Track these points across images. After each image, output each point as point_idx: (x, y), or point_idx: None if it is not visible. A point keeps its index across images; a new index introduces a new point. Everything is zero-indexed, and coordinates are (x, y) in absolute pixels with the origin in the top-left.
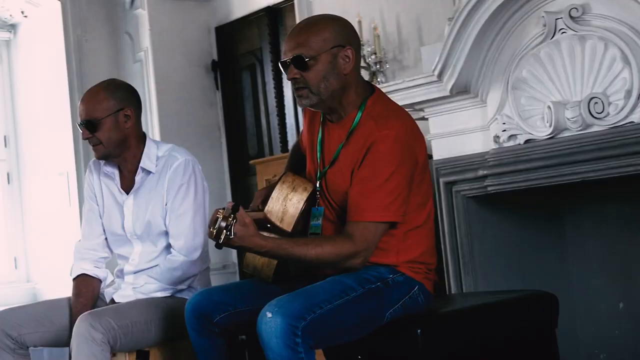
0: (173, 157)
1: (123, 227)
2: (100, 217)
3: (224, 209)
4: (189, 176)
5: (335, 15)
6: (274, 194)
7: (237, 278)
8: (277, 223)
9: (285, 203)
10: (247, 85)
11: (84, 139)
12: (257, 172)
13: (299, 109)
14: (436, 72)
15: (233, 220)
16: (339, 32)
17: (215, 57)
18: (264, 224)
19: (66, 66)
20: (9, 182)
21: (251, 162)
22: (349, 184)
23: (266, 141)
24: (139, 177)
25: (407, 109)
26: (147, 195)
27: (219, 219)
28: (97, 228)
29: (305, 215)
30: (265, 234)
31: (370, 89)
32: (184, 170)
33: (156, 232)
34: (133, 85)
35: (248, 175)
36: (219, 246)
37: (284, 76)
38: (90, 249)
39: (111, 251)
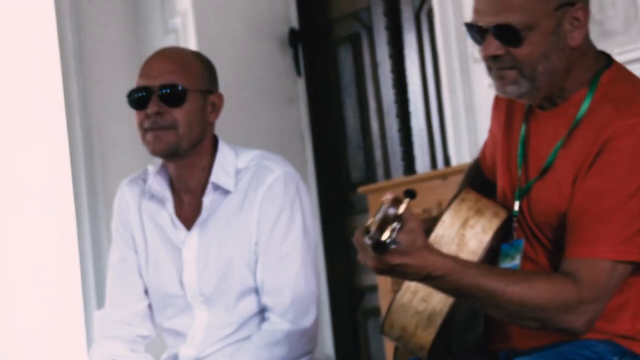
0: (265, 169)
1: (181, 284)
2: (140, 271)
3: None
4: (292, 198)
5: None
6: (446, 217)
7: None
8: None
9: (464, 231)
10: (346, 67)
11: (153, 113)
12: (368, 205)
13: None
14: None
15: (401, 218)
16: None
17: (294, 24)
18: None
19: (57, 40)
20: None
21: (360, 189)
22: (569, 200)
23: (379, 158)
24: (207, 199)
25: None
26: (222, 230)
27: (386, 207)
28: (135, 289)
29: (492, 253)
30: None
31: (604, 59)
32: (284, 189)
33: (236, 290)
34: None
35: (350, 211)
36: (381, 249)
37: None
38: (123, 322)
39: (155, 326)
